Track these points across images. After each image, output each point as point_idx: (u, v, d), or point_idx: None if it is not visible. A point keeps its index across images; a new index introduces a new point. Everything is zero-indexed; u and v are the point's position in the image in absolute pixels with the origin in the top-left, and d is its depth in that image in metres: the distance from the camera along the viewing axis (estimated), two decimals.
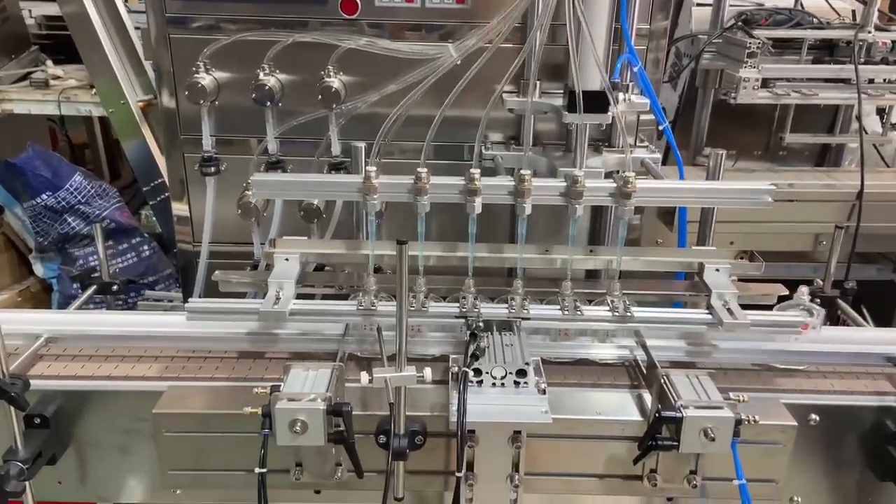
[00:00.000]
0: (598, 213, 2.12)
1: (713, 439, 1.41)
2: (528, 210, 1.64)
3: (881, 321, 3.71)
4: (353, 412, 1.53)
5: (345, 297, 1.81)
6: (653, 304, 1.79)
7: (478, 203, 1.63)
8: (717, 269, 1.75)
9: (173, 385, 1.66)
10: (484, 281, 1.80)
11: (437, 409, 1.59)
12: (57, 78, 3.86)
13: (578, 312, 1.67)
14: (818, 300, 2.01)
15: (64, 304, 3.73)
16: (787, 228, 3.23)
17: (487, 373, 1.49)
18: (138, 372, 1.69)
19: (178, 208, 2.24)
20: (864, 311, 3.89)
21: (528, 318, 1.67)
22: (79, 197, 3.78)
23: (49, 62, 3.98)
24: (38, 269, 4.01)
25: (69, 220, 3.80)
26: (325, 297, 1.88)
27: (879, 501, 1.71)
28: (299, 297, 1.73)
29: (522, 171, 1.62)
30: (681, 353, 1.76)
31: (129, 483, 1.74)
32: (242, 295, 1.93)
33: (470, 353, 1.47)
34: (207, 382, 1.68)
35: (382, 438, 1.53)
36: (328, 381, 1.49)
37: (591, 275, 1.99)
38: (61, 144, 4.52)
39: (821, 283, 2.17)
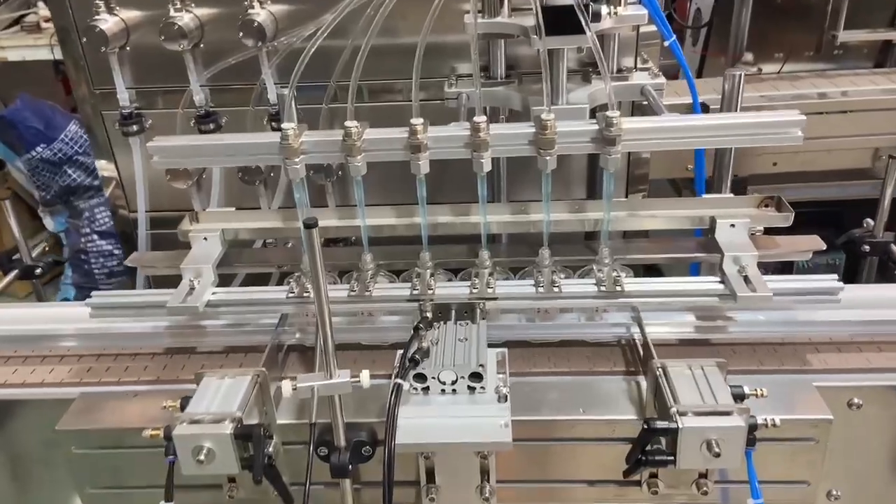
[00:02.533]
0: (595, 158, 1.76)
1: (718, 454, 1.11)
2: (487, 166, 1.31)
3: None
4: (287, 422, 1.28)
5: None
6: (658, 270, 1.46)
7: (423, 162, 1.31)
8: (733, 225, 1.40)
9: (85, 392, 1.43)
10: (447, 251, 1.49)
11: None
12: (50, 19, 3.60)
13: (556, 288, 1.35)
14: (866, 246, 1.65)
15: (74, 259, 3.61)
16: (841, 144, 2.85)
17: (434, 378, 1.20)
18: (38, 377, 1.46)
19: (105, 168, 1.96)
20: None
21: (494, 299, 1.36)
22: (76, 147, 3.62)
23: (40, 2, 3.68)
24: (49, 223, 3.96)
25: (69, 171, 3.66)
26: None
27: None
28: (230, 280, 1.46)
29: (476, 119, 1.28)
30: (689, 328, 1.44)
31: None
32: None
33: (408, 357, 1.17)
34: (125, 387, 1.44)
35: (323, 451, 1.28)
36: (243, 395, 1.23)
37: (592, 236, 1.64)
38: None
39: (871, 222, 1.79)
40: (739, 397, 1.20)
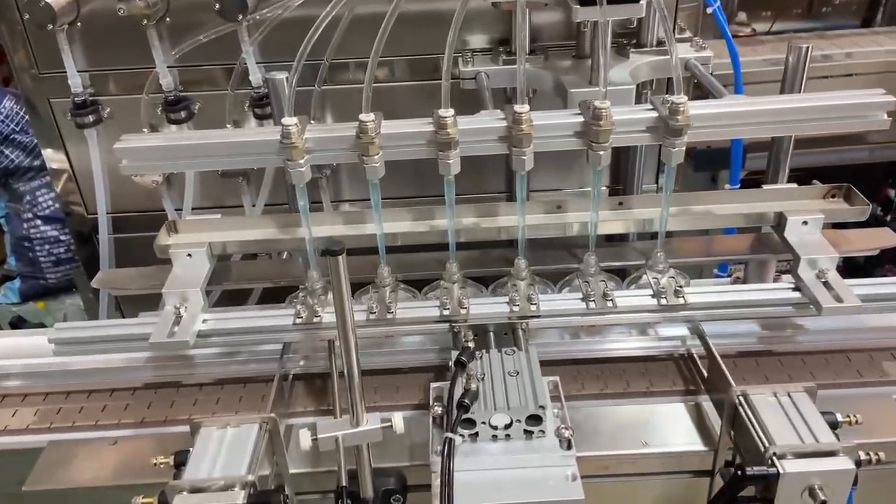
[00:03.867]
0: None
1: (824, 502, 0.95)
2: (530, 164, 1.10)
3: None
4: (302, 471, 1.09)
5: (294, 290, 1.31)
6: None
7: (454, 161, 1.09)
8: (805, 222, 1.22)
9: (54, 440, 1.20)
10: (469, 259, 1.29)
11: (418, 455, 1.13)
12: None
13: (609, 302, 1.17)
14: None
15: (17, 247, 3.31)
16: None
17: (484, 423, 1.01)
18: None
19: (53, 159, 1.67)
20: None
21: (538, 316, 1.17)
22: (11, 125, 3.27)
23: None
24: None
25: (6, 152, 3.30)
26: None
27: None
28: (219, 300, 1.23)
29: (517, 108, 1.06)
30: (751, 339, 1.28)
31: None
32: None
33: (455, 403, 0.98)
34: (102, 432, 1.22)
35: (348, 503, 1.09)
36: (252, 450, 1.02)
37: (612, 237, 1.45)
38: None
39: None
40: (832, 425, 1.04)
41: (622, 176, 1.63)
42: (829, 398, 1.10)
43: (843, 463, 0.96)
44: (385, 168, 1.11)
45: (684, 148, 1.09)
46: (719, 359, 1.15)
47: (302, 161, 1.09)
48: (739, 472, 0.97)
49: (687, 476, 1.17)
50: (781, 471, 0.94)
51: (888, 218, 3.60)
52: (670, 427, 1.18)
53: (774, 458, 0.96)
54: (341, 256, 0.89)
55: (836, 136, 2.86)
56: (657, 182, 1.68)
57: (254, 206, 1.62)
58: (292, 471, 1.12)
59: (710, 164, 2.92)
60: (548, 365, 1.16)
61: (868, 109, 1.12)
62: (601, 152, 1.09)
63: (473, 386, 1.00)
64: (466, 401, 0.98)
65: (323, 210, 1.61)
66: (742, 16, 2.86)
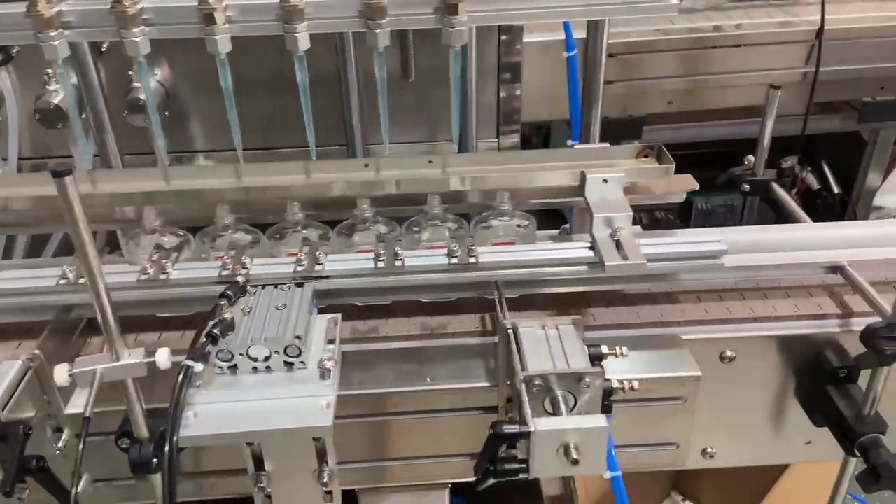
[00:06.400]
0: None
1: (576, 462, 0.92)
2: (305, 43, 1.06)
3: (843, 177, 3.32)
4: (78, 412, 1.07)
5: None
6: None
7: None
8: (605, 180, 1.23)
9: None
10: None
11: None
12: None
13: (399, 262, 1.16)
14: (746, 185, 1.53)
15: None
16: (736, 80, 2.77)
17: (242, 354, 1.00)
18: None
19: None
20: (826, 167, 3.52)
21: (326, 277, 1.14)
22: None
23: None
24: None
25: None
26: None
27: (820, 451, 1.31)
28: None
29: None
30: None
31: None
32: None
33: (205, 332, 0.97)
34: None
35: (125, 442, 1.08)
36: (6, 386, 1.00)
37: None
38: None
39: (752, 160, 1.67)
40: (597, 358, 1.06)
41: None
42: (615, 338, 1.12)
43: (597, 421, 0.94)
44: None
45: (464, 28, 1.07)
46: (503, 298, 1.16)
47: (54, 34, 1.02)
48: (493, 432, 0.96)
49: (476, 413, 1.18)
50: (533, 428, 0.92)
51: (794, 192, 3.69)
52: (460, 366, 1.18)
53: (528, 416, 0.94)
54: (69, 178, 0.87)
55: (737, 109, 2.93)
56: (497, 137, 1.68)
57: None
58: (69, 411, 1.11)
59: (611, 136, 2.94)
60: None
61: None
62: (377, 30, 1.06)
63: (228, 317, 1.00)
64: (216, 331, 0.97)
65: None
66: None
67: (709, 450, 1.32)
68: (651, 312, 1.27)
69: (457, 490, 1.54)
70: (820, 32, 2.60)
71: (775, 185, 1.49)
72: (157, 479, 1.09)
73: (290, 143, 1.60)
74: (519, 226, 1.30)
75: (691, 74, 2.65)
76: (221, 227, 1.24)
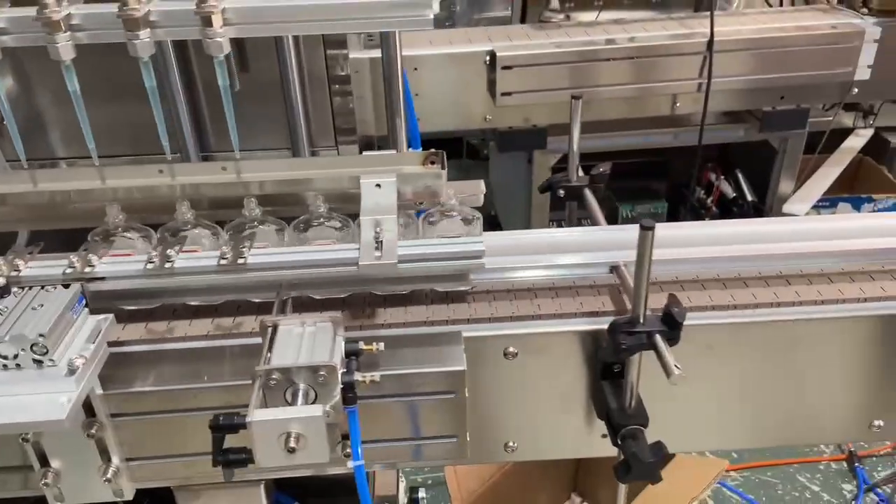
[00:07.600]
0: None
1: (293, 450, 0.96)
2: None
3: (757, 185, 3.41)
4: None
5: None
6: None
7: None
8: (379, 185, 1.28)
9: None
10: None
11: None
12: None
13: (169, 263, 1.19)
14: (562, 191, 1.59)
15: None
16: (638, 92, 2.86)
17: None
18: None
19: None
20: (740, 175, 3.60)
21: (101, 279, 1.17)
22: None
23: None
24: None
25: None
26: None
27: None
28: None
29: None
30: None
31: None
32: None
33: None
34: None
35: None
36: None
37: None
38: None
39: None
40: (354, 353, 1.10)
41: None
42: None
43: (312, 410, 0.98)
44: None
45: (224, 39, 1.12)
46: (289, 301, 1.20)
47: None
48: (212, 423, 1.00)
49: None
50: (250, 419, 0.96)
51: (710, 201, 3.77)
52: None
53: (251, 407, 0.98)
54: None
55: (644, 119, 3.01)
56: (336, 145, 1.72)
57: None
58: None
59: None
60: None
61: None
62: (137, 41, 1.11)
63: None
64: None
65: None
66: (555, 2, 2.98)
67: (510, 444, 1.36)
68: (443, 312, 1.31)
69: (282, 486, 1.58)
70: (710, 44, 2.69)
71: (587, 191, 1.55)
72: None
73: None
74: (336, 228, 1.33)
75: (594, 85, 2.74)
76: None
